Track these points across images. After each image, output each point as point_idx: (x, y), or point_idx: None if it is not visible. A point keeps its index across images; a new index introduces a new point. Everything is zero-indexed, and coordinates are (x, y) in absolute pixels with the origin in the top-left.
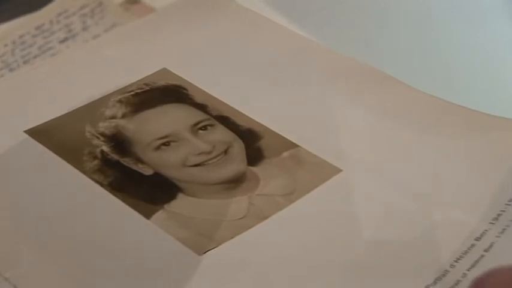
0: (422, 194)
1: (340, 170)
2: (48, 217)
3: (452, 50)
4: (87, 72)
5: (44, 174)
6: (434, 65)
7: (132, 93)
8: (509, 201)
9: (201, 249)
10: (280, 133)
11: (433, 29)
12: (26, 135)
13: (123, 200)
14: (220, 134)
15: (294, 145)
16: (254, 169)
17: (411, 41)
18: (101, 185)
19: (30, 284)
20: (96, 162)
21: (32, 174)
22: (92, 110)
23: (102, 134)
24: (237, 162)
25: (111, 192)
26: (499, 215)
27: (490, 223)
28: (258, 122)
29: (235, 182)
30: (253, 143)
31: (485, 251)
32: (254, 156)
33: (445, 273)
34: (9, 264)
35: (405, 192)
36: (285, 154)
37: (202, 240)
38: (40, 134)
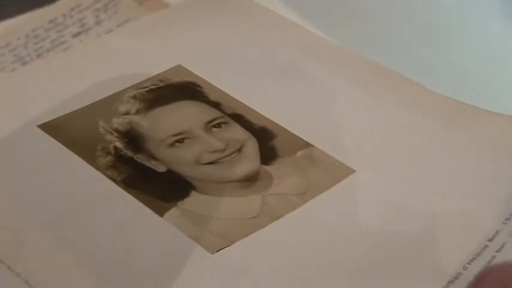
0: (436, 196)
1: (354, 171)
2: (61, 212)
3: (470, 49)
4: (100, 67)
5: (57, 169)
6: (448, 65)
7: (146, 89)
8: None
9: (214, 248)
10: (295, 132)
11: (449, 29)
12: (40, 130)
13: (136, 197)
14: (234, 132)
15: (308, 144)
16: (268, 168)
17: (426, 40)
18: (114, 181)
19: (40, 279)
20: (109, 158)
21: (45, 169)
22: (105, 105)
23: (116, 130)
24: (250, 161)
25: (124, 188)
26: (511, 214)
27: (503, 223)
28: (272, 121)
29: (248, 181)
30: (267, 141)
31: (497, 251)
32: (268, 155)
33: (458, 275)
34: (20, 259)
35: (418, 194)
36: (299, 153)
37: (214, 239)
38: (53, 128)
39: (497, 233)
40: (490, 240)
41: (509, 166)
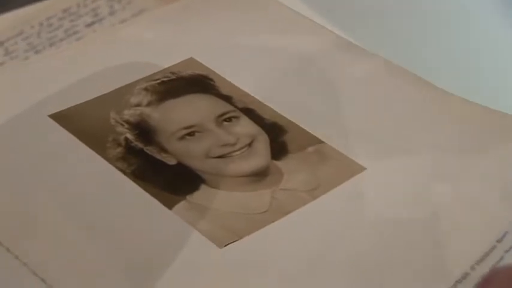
0: (444, 196)
1: (365, 168)
2: (70, 203)
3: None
4: (113, 58)
5: (67, 159)
6: (457, 63)
7: (158, 81)
8: None
9: (222, 242)
10: (306, 128)
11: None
12: (51, 120)
13: (145, 189)
14: (245, 127)
15: (319, 141)
16: (278, 163)
17: (435, 38)
18: (124, 173)
19: (48, 269)
20: (119, 149)
21: (55, 160)
22: (117, 96)
23: (127, 122)
24: (261, 156)
25: (133, 180)
26: None
27: None
28: (283, 116)
29: (258, 176)
30: (278, 136)
31: (506, 251)
32: (278, 150)
33: (465, 275)
34: (28, 248)
35: (427, 193)
36: (310, 149)
37: (223, 233)
38: (64, 119)
39: (506, 233)
40: (499, 241)
41: None
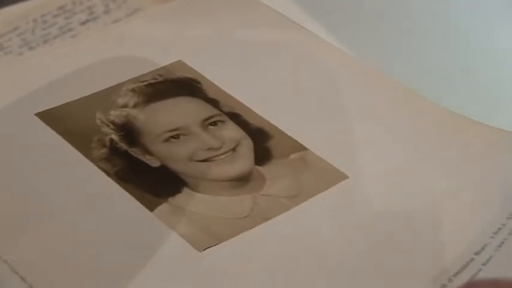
0: (425, 208)
1: (347, 177)
2: (53, 202)
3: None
4: (104, 57)
5: (51, 159)
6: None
7: (145, 83)
8: (510, 214)
9: (202, 246)
10: (290, 134)
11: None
12: (37, 118)
13: (128, 191)
14: (230, 131)
15: (302, 147)
16: (261, 169)
17: (424, 46)
18: (107, 173)
19: (28, 268)
20: (104, 150)
21: (39, 159)
22: (104, 97)
23: (113, 122)
24: (244, 161)
25: (116, 181)
26: (499, 228)
27: (491, 237)
28: (269, 122)
29: (241, 180)
30: (262, 142)
31: (483, 264)
32: (262, 155)
33: (442, 287)
34: (11, 247)
35: (408, 204)
36: (293, 156)
37: (203, 237)
38: (51, 118)
39: (484, 246)
40: (477, 253)
41: (499, 180)
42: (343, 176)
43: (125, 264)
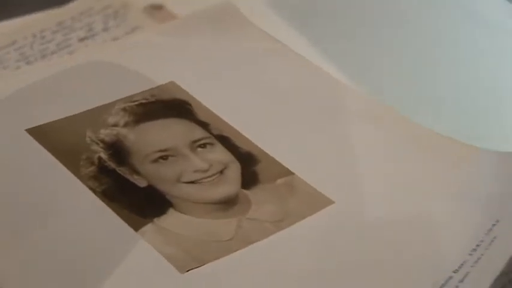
0: (412, 232)
1: (333, 202)
2: (38, 218)
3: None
4: (98, 75)
5: (39, 175)
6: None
7: (136, 103)
8: (488, 231)
9: (184, 267)
10: (278, 159)
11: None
12: (27, 134)
13: (114, 210)
14: (218, 154)
15: (289, 172)
16: (247, 192)
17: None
18: (94, 192)
19: (12, 283)
20: (92, 168)
21: (26, 174)
22: (95, 115)
23: (102, 141)
24: (231, 184)
25: (103, 200)
26: (477, 245)
27: (469, 254)
28: (257, 146)
29: (226, 204)
30: (250, 166)
31: (460, 281)
32: (249, 179)
33: None
34: None
35: (394, 230)
36: (280, 181)
37: (186, 258)
38: (41, 134)
39: (462, 264)
40: (456, 271)
41: (475, 199)
42: (328, 202)
43: (107, 282)
